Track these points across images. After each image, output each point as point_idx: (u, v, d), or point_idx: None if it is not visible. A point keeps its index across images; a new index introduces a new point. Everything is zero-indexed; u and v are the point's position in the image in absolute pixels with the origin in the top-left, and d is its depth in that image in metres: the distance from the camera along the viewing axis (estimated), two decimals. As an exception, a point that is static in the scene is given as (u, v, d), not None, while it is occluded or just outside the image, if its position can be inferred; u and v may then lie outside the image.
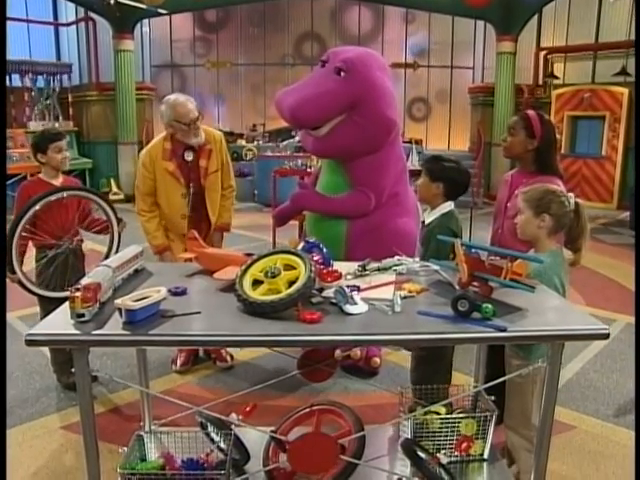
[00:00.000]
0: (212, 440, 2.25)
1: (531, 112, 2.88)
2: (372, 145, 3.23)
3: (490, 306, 1.75)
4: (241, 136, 12.36)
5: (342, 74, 3.15)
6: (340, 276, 1.94)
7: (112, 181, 11.34)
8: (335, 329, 1.69)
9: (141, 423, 2.44)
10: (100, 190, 11.34)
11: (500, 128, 11.34)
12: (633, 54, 9.39)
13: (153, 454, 2.23)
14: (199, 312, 1.80)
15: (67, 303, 1.74)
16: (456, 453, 2.25)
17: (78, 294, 1.70)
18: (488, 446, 2.29)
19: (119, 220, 3.41)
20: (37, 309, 3.55)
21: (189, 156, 3.49)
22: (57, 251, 3.31)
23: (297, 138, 11.78)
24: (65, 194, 3.20)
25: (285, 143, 11.53)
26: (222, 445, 2.23)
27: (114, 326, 1.69)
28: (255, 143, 12.04)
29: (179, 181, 3.47)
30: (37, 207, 3.05)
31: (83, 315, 1.69)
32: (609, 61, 10.66)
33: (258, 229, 8.17)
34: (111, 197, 11.09)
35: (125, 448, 2.13)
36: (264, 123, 12.75)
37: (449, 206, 2.83)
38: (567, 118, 10.77)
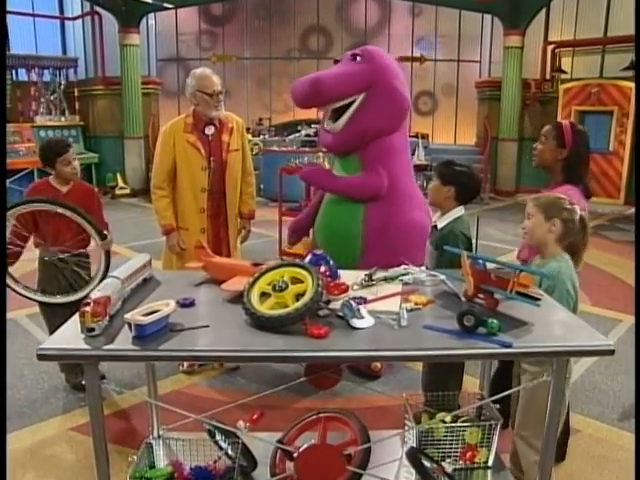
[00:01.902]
0: (220, 447, 2.28)
1: (565, 122, 2.87)
2: (388, 125, 3.40)
3: (496, 321, 1.76)
4: (247, 130, 12.35)
5: (358, 59, 3.42)
6: (347, 289, 1.96)
7: (118, 176, 11.37)
8: (342, 345, 1.71)
9: (149, 428, 2.47)
10: (106, 184, 11.40)
11: (507, 123, 11.33)
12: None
13: (162, 461, 2.26)
14: (207, 326, 1.82)
15: (77, 316, 1.76)
16: (461, 462, 2.27)
17: (88, 308, 1.72)
18: (493, 454, 2.31)
19: (102, 235, 3.23)
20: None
21: (209, 130, 3.56)
22: (44, 257, 3.38)
23: (303, 132, 11.79)
24: (35, 206, 3.14)
25: (291, 137, 11.52)
26: (230, 452, 2.26)
27: (124, 340, 1.72)
28: (261, 137, 12.03)
29: (200, 152, 3.52)
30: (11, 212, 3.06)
31: (93, 329, 1.72)
32: (618, 55, 10.58)
33: (264, 225, 8.13)
34: (117, 192, 11.13)
35: (135, 456, 2.17)
36: (270, 117, 12.75)
37: (460, 211, 2.86)
38: (574, 113, 10.71)
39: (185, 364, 3.82)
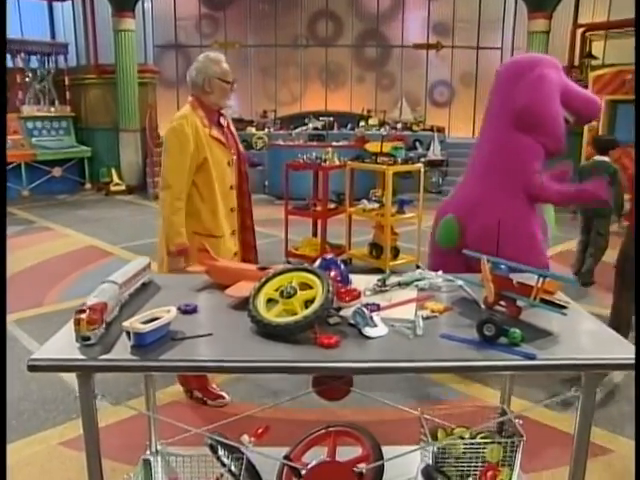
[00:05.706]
0: (222, 463, 2.30)
1: None
2: None
3: (518, 331, 1.77)
4: (251, 123, 12.38)
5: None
6: (359, 295, 1.97)
7: (113, 171, 11.41)
8: (353, 355, 1.73)
9: (147, 442, 2.49)
10: (100, 180, 11.46)
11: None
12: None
13: (161, 479, 2.29)
14: (211, 334, 1.84)
15: (71, 324, 1.78)
16: (480, 482, 2.28)
17: (83, 316, 1.74)
18: (516, 474, 2.32)
19: None
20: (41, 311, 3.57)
21: (224, 122, 3.43)
22: None
23: (311, 125, 11.82)
24: None
25: (298, 131, 11.54)
26: (233, 468, 2.27)
27: (122, 350, 1.74)
28: (266, 131, 12.05)
29: (225, 146, 3.35)
30: None
31: (89, 338, 1.74)
32: (655, 39, 10.51)
33: (270, 224, 8.17)
34: (112, 188, 11.18)
35: (131, 474, 2.19)
36: (275, 109, 12.77)
37: None
38: (606, 102, 10.62)
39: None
